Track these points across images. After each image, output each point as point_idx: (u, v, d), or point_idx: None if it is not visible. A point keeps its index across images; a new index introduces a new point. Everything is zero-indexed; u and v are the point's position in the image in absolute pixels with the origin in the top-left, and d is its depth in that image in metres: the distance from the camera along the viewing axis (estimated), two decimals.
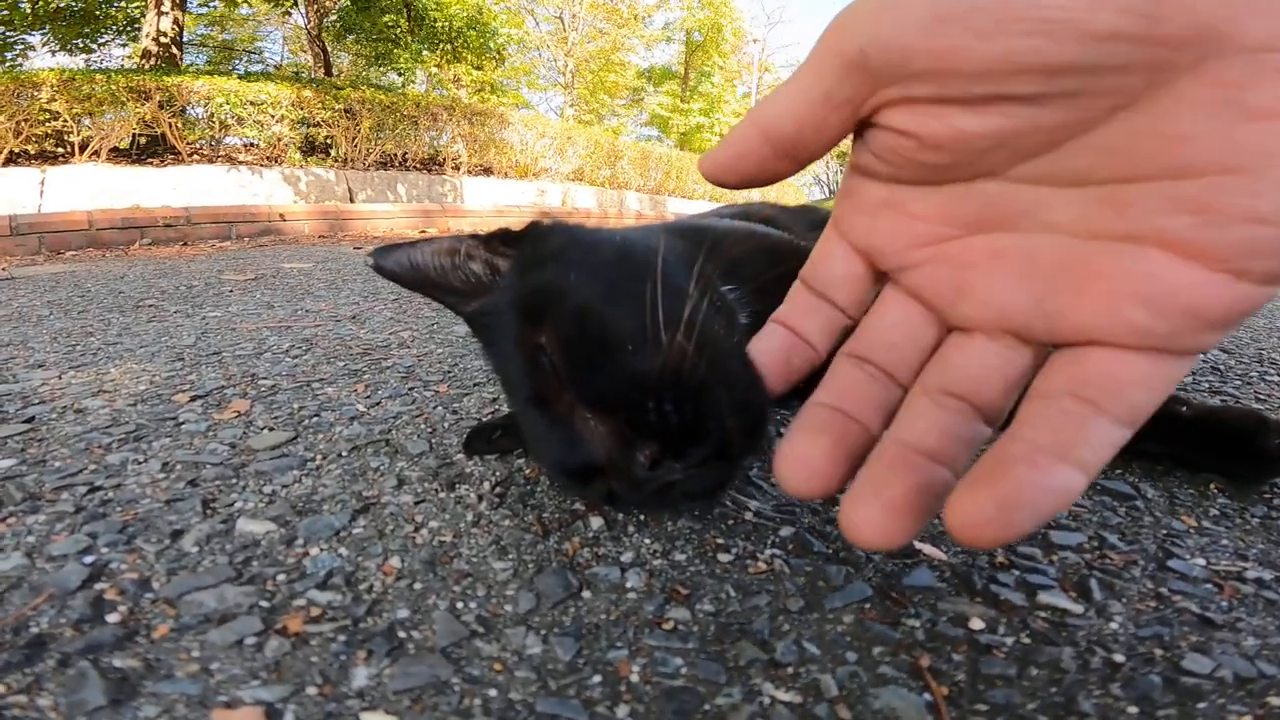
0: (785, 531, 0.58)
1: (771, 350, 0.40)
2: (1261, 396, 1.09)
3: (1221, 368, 1.28)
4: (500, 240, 0.62)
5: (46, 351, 1.20)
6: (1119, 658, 0.43)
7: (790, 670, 0.42)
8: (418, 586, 0.49)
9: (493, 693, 0.39)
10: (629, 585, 0.50)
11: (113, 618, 0.45)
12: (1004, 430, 0.30)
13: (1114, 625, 0.46)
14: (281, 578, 0.50)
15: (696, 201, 10.72)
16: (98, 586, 0.48)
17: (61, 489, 0.63)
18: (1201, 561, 0.54)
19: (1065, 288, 0.30)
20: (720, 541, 0.56)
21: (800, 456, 0.34)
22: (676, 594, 0.49)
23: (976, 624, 0.46)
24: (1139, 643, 0.44)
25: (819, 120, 0.32)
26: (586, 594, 0.49)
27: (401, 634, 0.44)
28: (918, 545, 0.56)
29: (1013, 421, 0.30)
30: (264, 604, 0.47)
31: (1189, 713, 0.39)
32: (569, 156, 8.51)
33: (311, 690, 0.39)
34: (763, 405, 0.45)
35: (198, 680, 0.40)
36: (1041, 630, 0.46)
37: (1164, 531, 0.59)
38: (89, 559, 0.51)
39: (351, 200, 6.25)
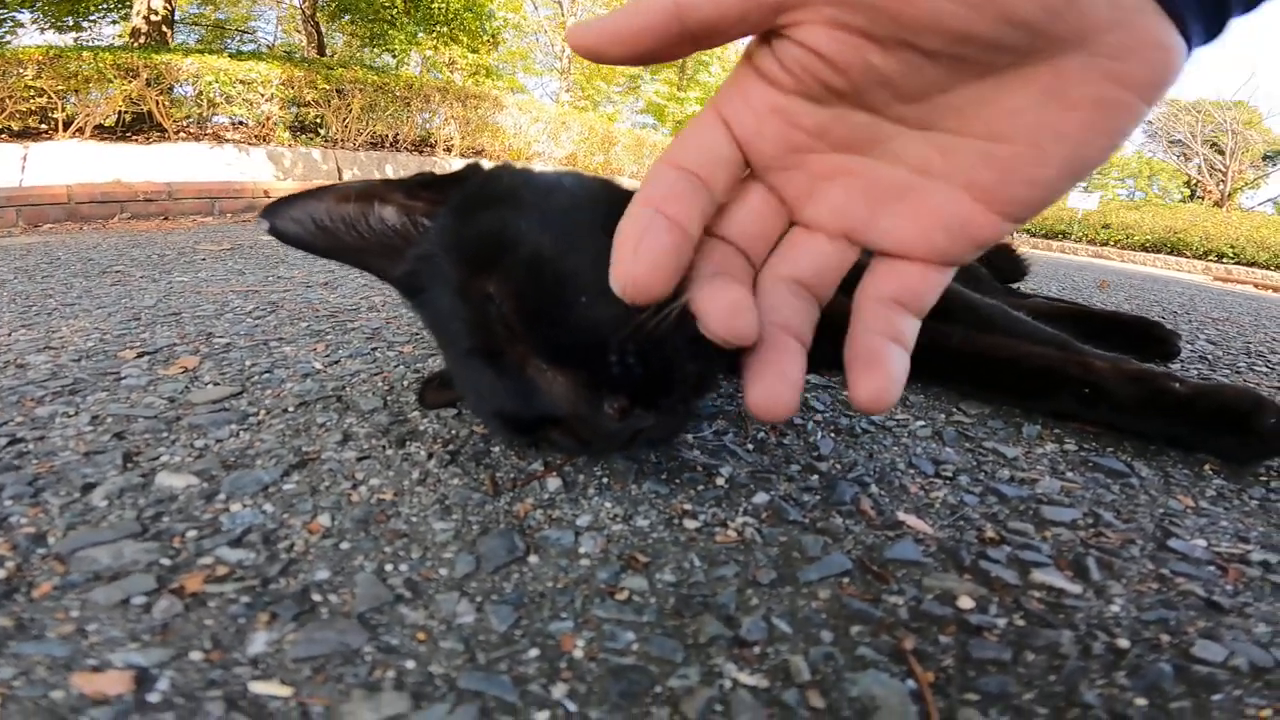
0: (759, 498, 0.53)
1: (664, 243, 0.37)
2: (1252, 385, 1.06)
3: (1210, 358, 1.27)
4: (422, 185, 0.56)
5: (2, 312, 1.14)
6: (1123, 643, 0.39)
7: (757, 650, 0.37)
8: (344, 546, 0.44)
9: (410, 664, 0.34)
10: (582, 550, 0.45)
11: None
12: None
13: (1115, 607, 0.42)
14: (192, 534, 0.44)
15: None
16: None
17: None
18: (1202, 542, 0.51)
19: (895, 209, 0.37)
20: (688, 508, 0.51)
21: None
22: (634, 562, 0.44)
23: (965, 603, 0.42)
24: (1144, 627, 0.40)
25: (740, 14, 0.33)
26: (533, 559, 0.44)
27: (316, 597, 0.39)
28: (901, 517, 0.52)
29: (854, 318, 0.38)
30: (165, 561, 0.41)
31: (1204, 705, 0.35)
32: (563, 142, 8.45)
33: (196, 655, 0.34)
34: (716, 348, 0.43)
35: (69, 642, 0.34)
36: (1037, 611, 0.42)
37: (1161, 510, 0.56)
38: None
39: (340, 179, 6.16)
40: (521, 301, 0.47)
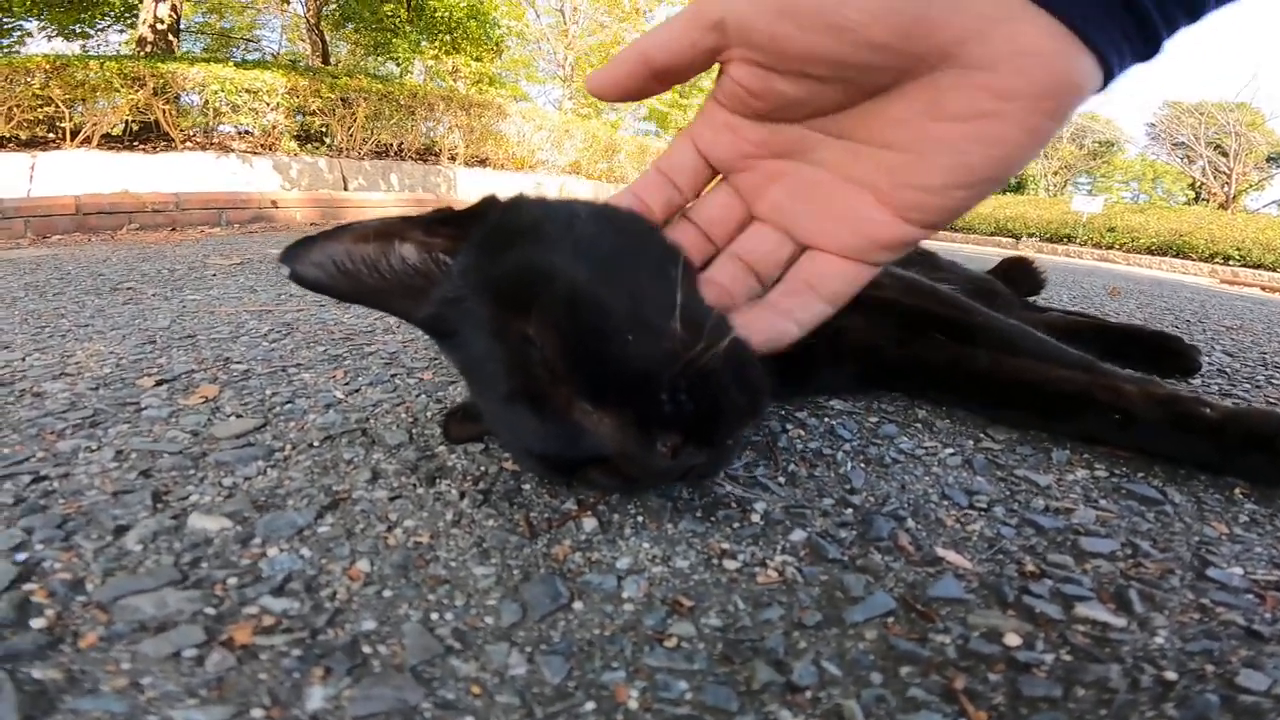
0: (796, 535, 0.53)
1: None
2: (1272, 400, 1.06)
3: (1228, 370, 1.26)
4: (440, 221, 0.55)
5: (15, 333, 1.14)
6: (1170, 675, 0.39)
7: (809, 695, 0.37)
8: (387, 594, 0.44)
9: None
10: (626, 595, 0.45)
11: (38, 623, 0.39)
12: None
13: (1159, 639, 0.42)
14: (233, 581, 0.44)
15: None
16: (26, 587, 0.42)
17: (4, 478, 0.57)
18: (1239, 570, 0.51)
19: (814, 208, 0.46)
20: (725, 547, 0.51)
21: None
22: (679, 606, 0.44)
23: (1012, 639, 0.42)
24: (1188, 658, 0.41)
25: (685, 58, 0.43)
26: (578, 605, 0.44)
27: (366, 649, 0.39)
28: (940, 552, 0.51)
29: (779, 284, 0.49)
30: (210, 611, 0.41)
31: None
32: (566, 149, 8.47)
33: (257, 712, 0.34)
34: (760, 378, 0.48)
35: (124, 697, 0.34)
36: (1083, 646, 0.41)
37: (1196, 538, 0.56)
38: (21, 556, 0.46)
39: (345, 188, 6.18)
40: (563, 343, 0.46)
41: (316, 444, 0.66)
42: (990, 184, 0.40)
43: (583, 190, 8.58)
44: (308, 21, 11.14)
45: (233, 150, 5.90)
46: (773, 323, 0.48)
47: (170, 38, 8.26)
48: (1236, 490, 0.65)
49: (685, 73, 0.44)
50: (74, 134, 5.25)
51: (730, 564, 0.49)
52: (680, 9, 0.44)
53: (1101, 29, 0.34)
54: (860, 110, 0.41)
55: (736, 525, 0.54)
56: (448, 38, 9.94)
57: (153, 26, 8.02)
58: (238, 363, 0.95)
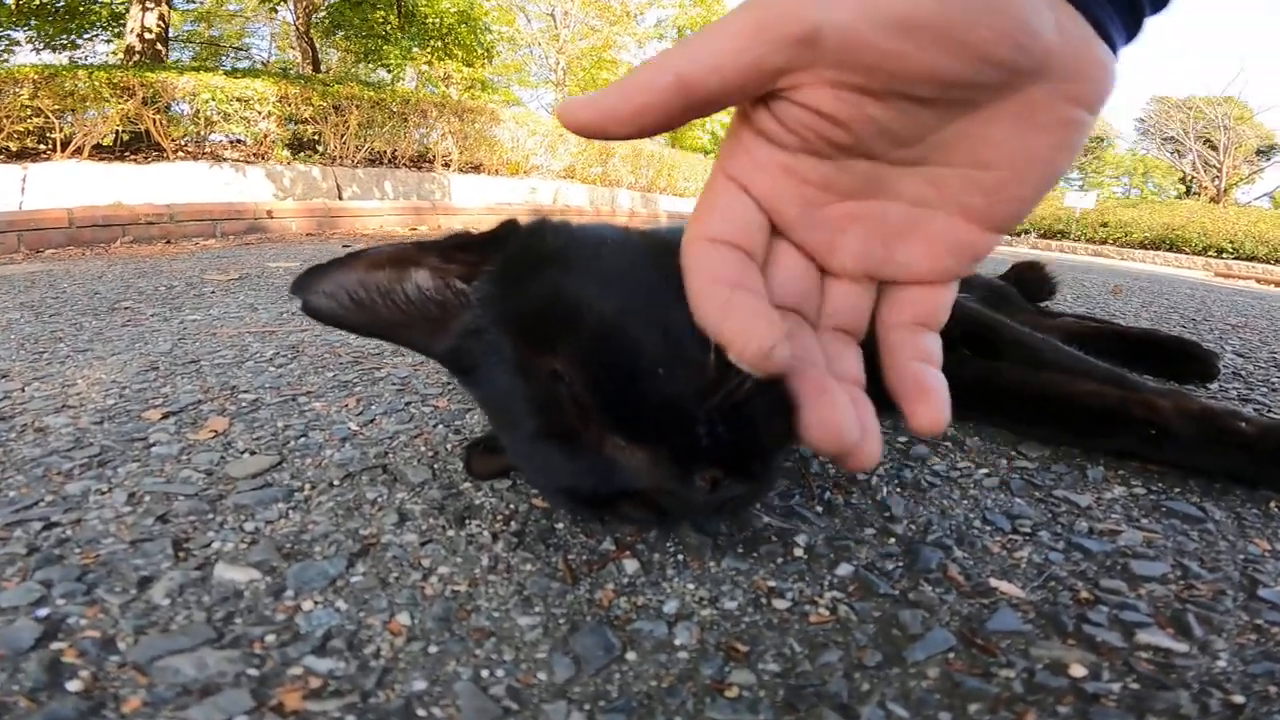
0: (843, 570, 0.51)
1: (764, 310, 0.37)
2: None
3: (1242, 374, 1.26)
4: (457, 247, 0.52)
5: (12, 359, 1.11)
6: (1238, 698, 0.39)
7: None
8: (433, 650, 0.42)
9: None
10: (678, 642, 0.43)
11: (73, 685, 0.37)
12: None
13: (1221, 663, 0.42)
14: (271, 639, 0.42)
15: (688, 199, 10.69)
16: (54, 646, 0.40)
17: (14, 525, 0.54)
18: None
19: (906, 243, 0.40)
20: (772, 585, 0.49)
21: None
22: (735, 652, 0.42)
23: (1078, 670, 0.41)
24: (1252, 680, 0.40)
25: (743, 83, 0.33)
26: (631, 655, 0.42)
27: (421, 712, 0.37)
28: (993, 583, 0.50)
29: (886, 348, 0.41)
30: (252, 672, 0.39)
31: None
32: (560, 154, 8.45)
33: None
34: (793, 402, 0.44)
35: None
36: (1149, 673, 0.41)
37: (1242, 557, 0.55)
38: (42, 612, 0.44)
39: (340, 197, 6.15)
40: (593, 379, 0.44)
41: (337, 483, 0.64)
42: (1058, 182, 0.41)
43: (578, 195, 8.57)
44: (297, 29, 11.12)
45: (225, 159, 5.87)
46: (935, 378, 0.40)
47: (159, 47, 8.23)
48: (1272, 504, 0.64)
49: (732, 101, 0.35)
50: (64, 145, 5.22)
51: (779, 603, 0.47)
52: (727, 17, 0.34)
53: (1113, 21, 0.35)
54: (944, 133, 0.36)
55: (780, 560, 0.52)
56: (439, 44, 9.93)
57: (141, 35, 7.99)
58: (245, 391, 0.93)
